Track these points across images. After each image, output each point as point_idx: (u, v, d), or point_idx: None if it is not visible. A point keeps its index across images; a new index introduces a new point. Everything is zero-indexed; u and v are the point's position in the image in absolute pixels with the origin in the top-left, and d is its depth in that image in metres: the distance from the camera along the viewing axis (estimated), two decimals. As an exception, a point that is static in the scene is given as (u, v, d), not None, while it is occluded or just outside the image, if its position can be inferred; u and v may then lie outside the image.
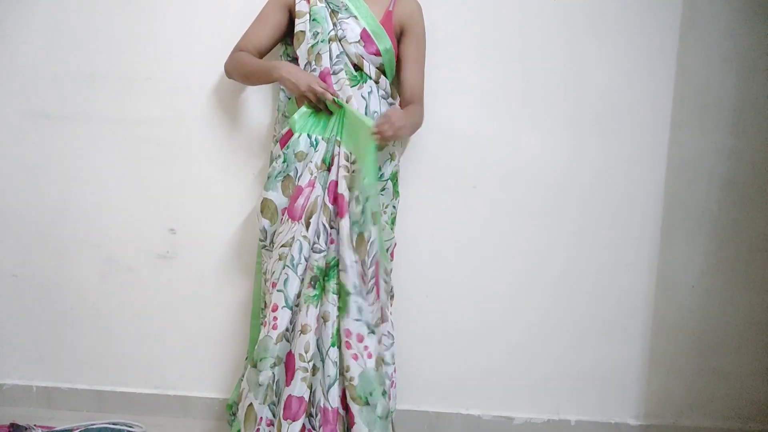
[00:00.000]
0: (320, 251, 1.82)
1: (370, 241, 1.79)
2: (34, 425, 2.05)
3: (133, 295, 2.22)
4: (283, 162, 1.86)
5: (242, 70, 1.91)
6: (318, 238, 1.82)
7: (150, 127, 2.16)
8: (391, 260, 1.98)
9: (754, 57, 2.05)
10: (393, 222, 1.98)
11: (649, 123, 2.09)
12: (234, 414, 2.09)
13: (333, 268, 1.82)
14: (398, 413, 2.06)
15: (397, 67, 1.98)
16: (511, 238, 2.14)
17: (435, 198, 2.13)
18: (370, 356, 1.80)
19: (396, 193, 1.99)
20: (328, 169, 1.84)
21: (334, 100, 1.81)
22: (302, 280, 1.82)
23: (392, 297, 1.98)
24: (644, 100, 2.08)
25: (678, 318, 2.15)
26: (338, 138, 1.84)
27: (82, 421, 2.14)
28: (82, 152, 2.19)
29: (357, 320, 1.79)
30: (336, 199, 1.83)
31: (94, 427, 2.11)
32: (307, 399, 1.80)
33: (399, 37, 1.96)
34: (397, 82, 2.00)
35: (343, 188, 1.82)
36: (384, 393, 1.82)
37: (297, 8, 1.90)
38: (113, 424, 2.14)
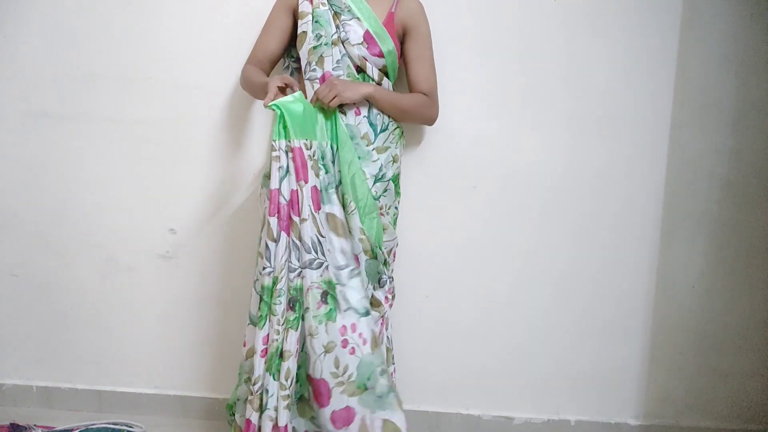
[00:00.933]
0: (294, 269, 1.74)
1: (351, 211, 1.80)
2: (34, 425, 2.05)
3: (133, 295, 2.22)
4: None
5: (248, 86, 1.93)
6: (290, 256, 1.74)
7: (150, 127, 2.16)
8: (393, 260, 1.98)
9: (754, 57, 2.06)
10: (395, 223, 1.98)
11: (649, 123, 2.09)
12: (234, 414, 2.09)
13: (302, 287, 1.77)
14: (398, 413, 2.06)
15: (405, 68, 1.99)
16: (511, 238, 2.14)
17: (435, 198, 2.14)
18: (365, 342, 1.76)
19: (398, 193, 1.99)
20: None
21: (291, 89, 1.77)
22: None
23: (393, 297, 1.98)
24: (644, 101, 2.08)
25: (678, 318, 2.15)
26: (310, 141, 1.79)
27: (82, 421, 2.14)
28: (82, 152, 2.19)
29: (346, 310, 1.75)
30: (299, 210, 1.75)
31: (94, 427, 2.11)
32: (291, 426, 1.77)
33: (402, 38, 1.96)
34: (404, 83, 2.01)
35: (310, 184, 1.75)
36: (383, 372, 1.77)
37: (300, 9, 1.90)
38: (113, 424, 2.14)
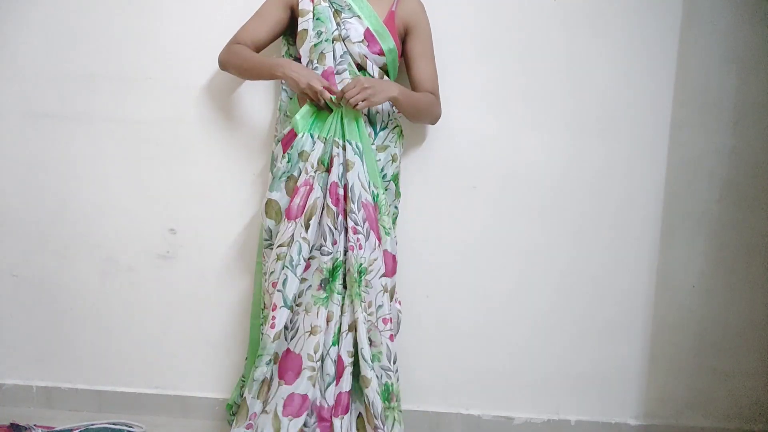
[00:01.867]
0: (328, 253, 1.83)
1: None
2: (34, 425, 2.05)
3: (133, 295, 2.22)
4: (287, 162, 1.86)
5: (241, 64, 1.90)
6: (325, 240, 1.83)
7: (150, 127, 2.16)
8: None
9: (754, 57, 2.05)
10: (395, 222, 1.98)
11: (649, 123, 2.09)
12: (234, 414, 2.09)
13: (338, 268, 1.84)
14: (398, 413, 2.06)
15: (407, 67, 1.99)
16: (511, 238, 2.14)
17: (435, 198, 2.14)
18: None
19: (398, 193, 1.99)
20: (328, 170, 1.84)
21: (332, 99, 1.81)
22: (302, 281, 1.83)
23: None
24: (644, 101, 2.08)
25: (678, 318, 2.15)
26: (336, 138, 1.84)
27: (82, 421, 2.14)
28: (82, 152, 2.19)
29: (380, 306, 1.86)
30: (338, 200, 1.83)
31: (94, 427, 2.11)
32: (311, 397, 1.81)
33: (403, 37, 1.96)
34: (407, 81, 2.01)
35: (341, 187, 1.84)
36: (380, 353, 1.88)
37: (300, 6, 1.90)
38: (113, 424, 2.14)
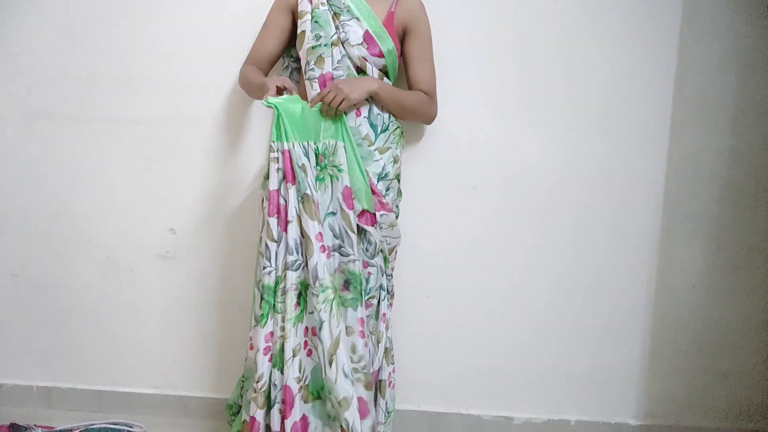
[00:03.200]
0: (264, 267, 1.75)
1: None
2: (34, 425, 2.05)
3: (133, 295, 2.22)
4: (300, 183, 1.77)
5: (246, 87, 1.93)
6: (296, 252, 1.73)
7: (150, 127, 2.16)
8: (394, 259, 1.98)
9: (754, 57, 2.05)
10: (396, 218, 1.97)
11: (649, 123, 2.09)
12: (234, 414, 2.09)
13: (278, 284, 1.76)
14: (398, 413, 2.06)
15: (405, 67, 1.99)
16: (511, 237, 2.14)
17: (435, 198, 2.14)
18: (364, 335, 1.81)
19: (399, 193, 1.99)
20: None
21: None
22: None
23: (392, 296, 1.99)
24: (644, 101, 2.08)
25: (678, 318, 2.15)
26: (312, 143, 1.78)
27: (82, 421, 2.14)
28: (82, 152, 2.19)
29: (311, 312, 1.74)
30: (278, 210, 1.74)
31: (94, 427, 2.11)
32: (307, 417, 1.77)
33: (402, 37, 1.96)
34: (405, 83, 2.01)
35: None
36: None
37: (299, 8, 1.90)
38: (113, 424, 2.14)
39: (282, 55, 2.01)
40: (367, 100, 1.88)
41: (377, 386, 1.93)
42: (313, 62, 1.88)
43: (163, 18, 2.13)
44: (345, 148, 1.82)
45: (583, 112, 2.10)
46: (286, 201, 1.73)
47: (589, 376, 2.17)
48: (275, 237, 1.73)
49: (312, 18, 1.88)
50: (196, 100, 2.15)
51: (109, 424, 2.14)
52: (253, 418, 1.75)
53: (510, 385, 2.18)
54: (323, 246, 1.74)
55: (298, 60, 2.00)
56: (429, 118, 2.01)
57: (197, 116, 2.15)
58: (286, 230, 1.73)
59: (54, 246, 2.23)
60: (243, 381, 2.08)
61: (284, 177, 1.72)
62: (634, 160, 2.10)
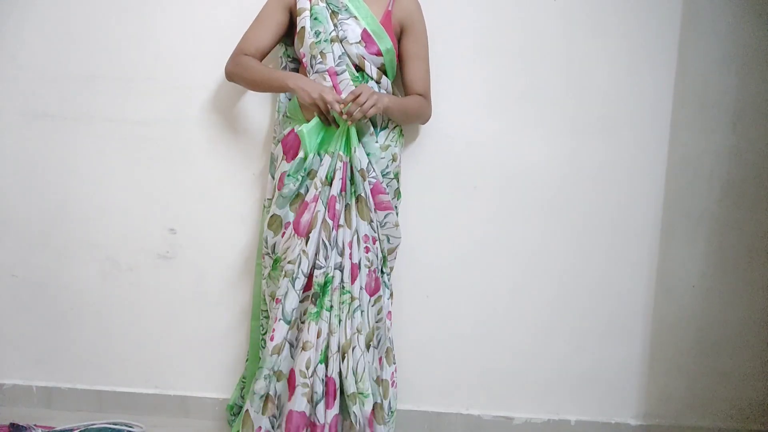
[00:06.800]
0: (320, 267, 1.82)
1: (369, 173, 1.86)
2: (34, 425, 2.05)
3: (133, 295, 2.22)
4: (297, 182, 1.84)
5: (251, 77, 1.89)
6: (318, 255, 1.82)
7: (150, 127, 2.16)
8: (394, 259, 1.98)
9: (754, 57, 2.05)
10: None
11: (649, 123, 2.09)
12: (234, 414, 2.09)
13: (328, 284, 1.83)
14: (398, 413, 2.06)
15: (400, 66, 1.98)
16: (511, 238, 2.14)
17: (436, 198, 2.14)
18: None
19: (398, 193, 1.99)
20: (330, 184, 1.83)
21: (341, 111, 1.76)
22: (300, 295, 1.83)
23: (391, 296, 1.98)
24: (644, 101, 2.08)
25: (678, 318, 2.15)
26: (341, 152, 1.82)
27: (82, 421, 2.14)
28: (82, 152, 2.19)
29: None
30: (334, 215, 1.82)
31: (94, 427, 2.11)
32: (308, 413, 1.80)
33: (399, 36, 1.96)
34: (399, 81, 2.00)
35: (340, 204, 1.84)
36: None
37: (298, 5, 1.90)
38: (113, 424, 2.14)
39: (269, 53, 1.98)
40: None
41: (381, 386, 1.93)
42: (318, 56, 1.87)
43: (162, 18, 2.13)
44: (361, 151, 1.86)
45: (583, 111, 2.10)
46: (340, 205, 1.83)
47: (590, 376, 2.17)
48: (329, 240, 1.81)
49: (311, 14, 1.88)
50: (196, 100, 2.15)
51: (109, 424, 2.14)
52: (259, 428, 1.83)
53: (510, 385, 2.18)
54: (367, 247, 1.87)
55: (294, 60, 2.00)
56: (426, 119, 2.02)
57: (197, 116, 2.15)
58: (337, 232, 1.83)
59: (54, 246, 2.23)
60: (243, 381, 2.09)
61: (342, 185, 1.82)
62: (635, 160, 2.10)
